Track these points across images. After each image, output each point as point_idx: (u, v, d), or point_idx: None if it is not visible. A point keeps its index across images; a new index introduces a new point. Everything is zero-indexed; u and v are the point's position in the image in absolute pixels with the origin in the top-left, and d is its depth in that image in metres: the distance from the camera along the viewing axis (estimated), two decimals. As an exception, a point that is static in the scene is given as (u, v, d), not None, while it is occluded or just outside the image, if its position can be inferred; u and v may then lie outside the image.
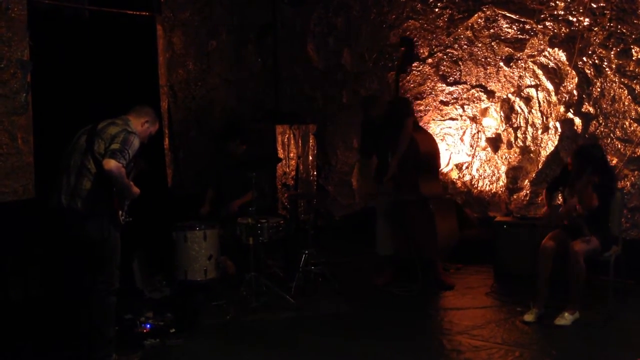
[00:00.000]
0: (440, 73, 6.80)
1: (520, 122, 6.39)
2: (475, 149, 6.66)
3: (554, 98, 6.15)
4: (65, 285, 4.17)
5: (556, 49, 6.07)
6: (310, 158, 7.54)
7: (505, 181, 6.51)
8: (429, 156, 5.54)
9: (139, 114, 3.96)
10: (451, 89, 6.76)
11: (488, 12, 6.43)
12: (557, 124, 6.14)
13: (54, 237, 4.09)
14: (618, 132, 5.76)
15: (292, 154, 7.35)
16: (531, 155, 6.33)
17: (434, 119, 6.85)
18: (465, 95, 6.70)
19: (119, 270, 3.87)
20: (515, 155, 6.42)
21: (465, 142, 6.73)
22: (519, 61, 6.32)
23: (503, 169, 6.52)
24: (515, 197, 6.43)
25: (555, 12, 6.02)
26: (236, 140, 5.84)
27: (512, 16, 6.28)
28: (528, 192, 6.34)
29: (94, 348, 3.83)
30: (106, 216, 3.72)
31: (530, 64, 6.26)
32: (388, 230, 5.61)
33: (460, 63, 6.67)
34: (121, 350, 3.99)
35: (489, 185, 6.62)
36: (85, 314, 3.85)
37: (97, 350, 3.82)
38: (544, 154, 6.23)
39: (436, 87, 6.85)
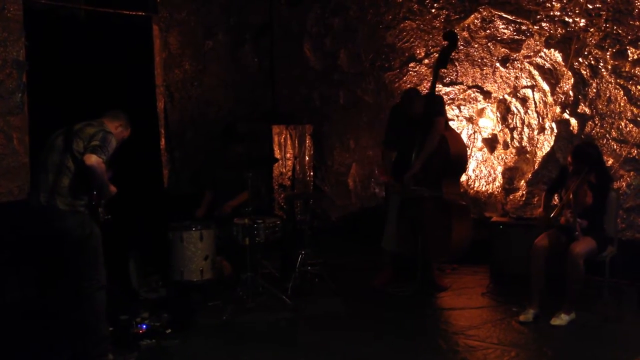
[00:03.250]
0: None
1: (516, 123, 6.40)
2: (471, 150, 6.66)
3: (550, 99, 6.17)
4: (54, 284, 4.16)
5: (552, 50, 6.08)
6: (307, 158, 7.54)
7: (501, 182, 6.52)
8: (458, 159, 5.41)
9: (112, 118, 4.03)
10: (447, 89, 6.77)
11: (484, 13, 6.45)
12: (553, 125, 6.15)
13: (41, 237, 4.09)
14: (614, 133, 5.77)
15: (288, 155, 7.35)
16: (527, 155, 6.34)
17: (430, 120, 6.84)
18: (461, 96, 6.71)
19: (104, 267, 3.88)
20: (512, 155, 6.44)
21: (462, 143, 6.73)
22: (515, 62, 6.33)
23: (499, 169, 6.53)
24: (511, 197, 6.44)
25: (551, 13, 6.04)
26: (238, 142, 5.84)
27: (508, 17, 6.29)
28: (524, 192, 6.35)
29: (88, 347, 3.83)
30: (86, 213, 3.77)
31: (526, 64, 6.27)
32: (396, 226, 5.52)
33: (456, 64, 6.68)
34: (117, 350, 3.98)
35: (485, 186, 6.63)
36: (76, 313, 3.86)
37: (92, 348, 3.82)
38: (540, 154, 6.24)
39: (432, 88, 6.84)
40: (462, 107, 6.71)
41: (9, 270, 4.84)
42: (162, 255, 5.19)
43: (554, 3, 6.01)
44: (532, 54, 6.21)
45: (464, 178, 6.69)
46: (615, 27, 5.70)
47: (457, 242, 5.32)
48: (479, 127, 6.64)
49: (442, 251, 5.38)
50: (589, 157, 4.58)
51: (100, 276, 3.85)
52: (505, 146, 6.48)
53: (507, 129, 6.46)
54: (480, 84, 6.58)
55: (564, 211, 4.63)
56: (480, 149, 6.63)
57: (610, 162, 5.70)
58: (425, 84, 6.86)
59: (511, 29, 6.30)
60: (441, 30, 6.71)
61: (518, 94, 6.36)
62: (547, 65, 6.15)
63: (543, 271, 4.61)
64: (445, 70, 6.72)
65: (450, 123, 6.73)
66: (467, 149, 6.60)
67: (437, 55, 6.72)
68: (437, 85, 6.72)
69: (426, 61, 6.85)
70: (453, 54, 6.05)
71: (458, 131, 6.70)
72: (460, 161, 5.47)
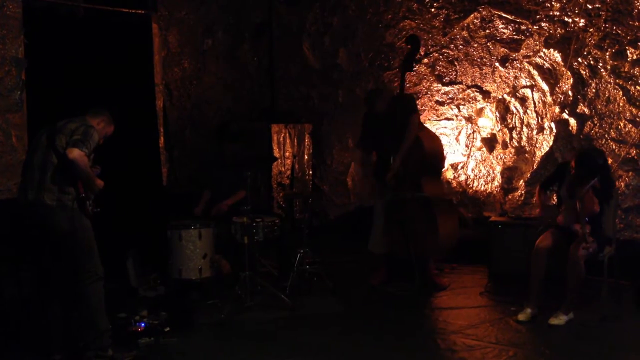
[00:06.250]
0: (436, 73, 6.81)
1: (515, 123, 6.40)
2: (470, 149, 6.67)
3: (549, 99, 6.17)
4: (51, 280, 4.15)
5: (551, 50, 6.09)
6: (306, 157, 7.54)
7: (500, 181, 6.52)
8: (434, 156, 5.43)
9: (95, 114, 4.06)
10: (447, 89, 6.77)
11: (484, 13, 6.45)
12: (552, 125, 6.15)
13: (35, 233, 4.10)
14: (613, 133, 5.78)
15: (287, 153, 7.35)
16: (526, 155, 6.34)
17: (429, 119, 6.85)
18: (460, 96, 6.71)
19: (99, 259, 3.90)
20: (511, 155, 6.44)
21: (461, 142, 6.74)
22: (515, 62, 6.33)
23: (498, 169, 6.53)
24: (510, 197, 6.44)
25: (551, 13, 6.04)
26: (232, 142, 5.82)
27: (508, 17, 6.29)
28: (523, 192, 6.35)
29: (87, 341, 3.85)
30: (74, 207, 3.80)
31: (525, 64, 6.27)
32: (383, 229, 5.56)
33: (456, 63, 6.68)
34: (116, 348, 3.98)
35: (484, 185, 6.63)
36: (74, 307, 3.87)
37: (91, 342, 3.84)
38: (539, 154, 6.25)
39: (432, 87, 6.85)
40: (461, 107, 6.71)
41: (7, 267, 4.84)
42: (161, 253, 5.19)
43: (553, 3, 6.01)
44: (531, 53, 6.22)
45: (462, 177, 6.70)
46: (614, 28, 5.70)
47: (445, 238, 5.35)
48: (478, 126, 6.64)
49: (432, 249, 5.40)
50: (596, 164, 4.49)
51: (96, 268, 3.88)
52: (504, 146, 6.48)
53: (506, 129, 6.46)
54: (479, 84, 6.58)
55: (570, 214, 4.61)
56: (479, 149, 6.64)
57: (609, 162, 5.70)
58: (424, 83, 6.87)
59: (510, 29, 6.31)
60: (441, 29, 6.72)
61: (517, 94, 6.37)
62: (547, 65, 6.15)
63: (544, 272, 4.61)
64: (445, 70, 6.74)
65: (450, 122, 6.77)
66: (466, 147, 6.62)
67: (435, 54, 6.77)
68: (436, 85, 6.79)
69: (425, 60, 6.85)
70: (419, 56, 6.14)
71: (457, 130, 6.72)
72: (436, 158, 5.48)
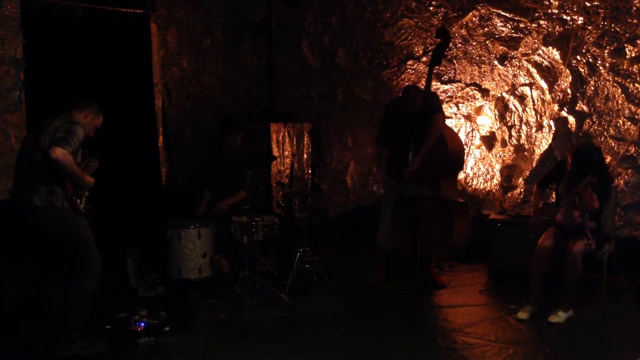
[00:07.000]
0: (435, 71, 6.78)
1: (514, 121, 6.40)
2: (469, 147, 6.67)
3: (548, 96, 6.17)
4: (49, 277, 4.15)
5: (550, 48, 6.09)
6: (305, 156, 7.54)
7: (499, 179, 6.52)
8: (456, 155, 5.40)
9: (81, 108, 4.03)
10: (446, 87, 6.77)
11: (482, 11, 6.45)
12: (551, 123, 6.16)
13: (34, 234, 4.11)
14: (612, 131, 5.78)
15: (286, 153, 7.35)
16: (525, 153, 6.34)
17: (428, 118, 6.84)
18: (459, 94, 6.71)
19: (98, 255, 3.90)
20: (510, 153, 6.44)
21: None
22: (513, 60, 6.33)
23: (497, 167, 6.54)
24: (509, 195, 6.44)
25: (550, 11, 6.04)
26: (234, 133, 5.77)
27: (507, 15, 6.29)
28: (522, 190, 6.35)
29: (59, 333, 3.89)
30: (65, 207, 3.78)
31: (524, 62, 6.27)
32: (391, 225, 5.49)
33: (454, 61, 6.68)
34: (110, 346, 4.01)
35: (483, 184, 6.63)
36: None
37: (62, 334, 3.87)
38: (538, 152, 6.25)
39: (430, 86, 6.84)
40: (460, 105, 6.71)
41: (7, 267, 4.84)
42: (160, 253, 5.18)
43: (552, 1, 6.01)
44: (530, 51, 6.22)
45: (461, 176, 6.70)
46: (613, 25, 5.70)
47: (457, 240, 5.32)
48: (477, 124, 6.64)
49: (442, 249, 5.38)
50: (592, 161, 4.51)
51: (94, 264, 3.89)
52: (503, 144, 6.48)
53: (505, 127, 6.46)
54: (478, 82, 6.58)
55: (569, 212, 4.61)
56: (479, 147, 6.64)
57: (608, 159, 5.70)
58: (423, 82, 6.85)
59: (509, 27, 6.31)
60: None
61: (516, 92, 6.37)
62: (545, 63, 6.15)
63: (545, 271, 4.60)
64: (443, 68, 6.73)
65: (449, 121, 6.75)
66: (465, 146, 6.62)
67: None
68: (435, 83, 6.78)
69: (424, 59, 6.85)
70: (447, 50, 6.02)
71: (456, 129, 6.72)
72: (458, 158, 5.47)
